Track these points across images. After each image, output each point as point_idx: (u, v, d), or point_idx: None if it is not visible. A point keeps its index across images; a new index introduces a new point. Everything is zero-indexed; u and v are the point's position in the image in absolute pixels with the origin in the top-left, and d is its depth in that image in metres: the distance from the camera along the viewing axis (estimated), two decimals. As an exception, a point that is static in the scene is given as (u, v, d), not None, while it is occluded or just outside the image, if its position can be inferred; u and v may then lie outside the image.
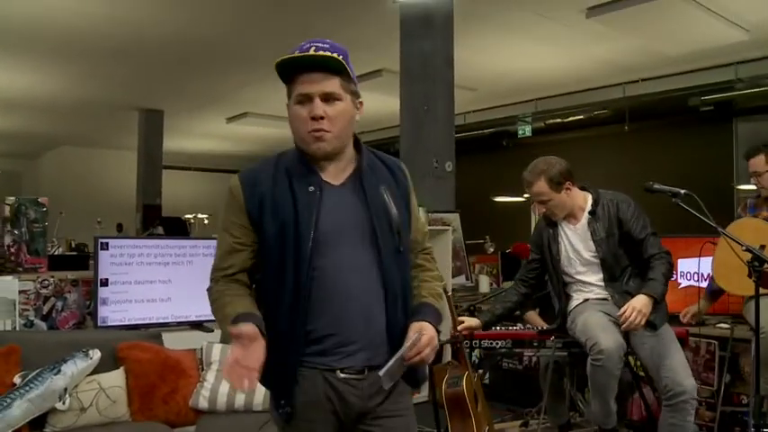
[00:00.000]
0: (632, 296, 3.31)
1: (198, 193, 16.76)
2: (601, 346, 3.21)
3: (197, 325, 4.48)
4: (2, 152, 16.59)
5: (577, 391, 4.51)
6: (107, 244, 4.15)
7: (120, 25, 7.31)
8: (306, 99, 1.87)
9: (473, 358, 4.96)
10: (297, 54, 1.88)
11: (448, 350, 5.72)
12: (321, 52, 1.85)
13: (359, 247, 1.89)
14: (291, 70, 1.89)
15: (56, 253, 6.62)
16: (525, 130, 11.36)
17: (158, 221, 10.70)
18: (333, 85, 1.85)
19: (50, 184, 14.96)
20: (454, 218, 6.17)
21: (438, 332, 1.93)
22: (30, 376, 3.16)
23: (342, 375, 1.89)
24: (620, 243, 3.43)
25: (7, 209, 4.58)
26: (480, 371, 4.76)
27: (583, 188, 3.62)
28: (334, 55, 1.84)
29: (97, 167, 15.65)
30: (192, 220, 13.70)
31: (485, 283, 6.29)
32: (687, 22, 6.90)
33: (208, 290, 2.06)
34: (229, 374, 1.71)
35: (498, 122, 11.58)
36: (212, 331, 4.33)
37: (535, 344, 3.83)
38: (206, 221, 13.64)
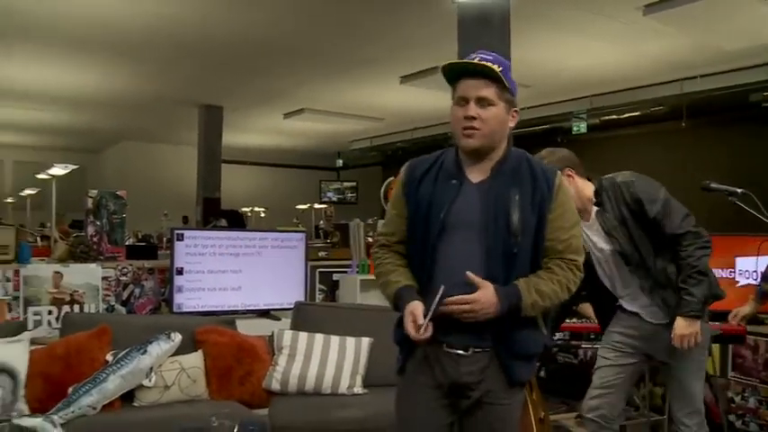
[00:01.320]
0: (667, 306, 3.01)
1: (255, 187, 17.10)
2: (598, 411, 3.15)
3: (264, 313, 4.72)
4: (68, 147, 17.22)
5: (632, 386, 4.58)
6: (182, 235, 4.40)
7: (182, 25, 7.57)
8: (463, 101, 2.12)
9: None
10: (460, 60, 2.15)
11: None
12: (484, 62, 2.08)
13: (472, 241, 2.11)
14: (455, 75, 2.14)
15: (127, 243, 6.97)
16: (580, 127, 11.31)
17: (220, 214, 11.03)
18: (488, 91, 2.09)
19: (113, 178, 15.44)
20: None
21: (501, 310, 2.05)
22: (120, 355, 3.44)
23: (446, 349, 2.14)
24: (637, 228, 3.03)
25: (90, 201, 4.89)
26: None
27: (589, 179, 3.29)
28: (494, 66, 2.07)
29: (158, 162, 16.07)
30: (250, 213, 13.99)
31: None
32: (746, 16, 6.85)
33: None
34: (406, 325, 2.09)
35: (553, 119, 11.56)
36: (280, 320, 4.56)
37: (592, 337, 3.94)
38: (262, 214, 13.91)
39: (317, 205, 13.70)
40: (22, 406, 3.27)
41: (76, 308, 4.47)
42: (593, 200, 3.13)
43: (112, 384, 3.33)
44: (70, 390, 3.32)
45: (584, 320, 4.19)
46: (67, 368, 3.40)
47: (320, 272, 5.35)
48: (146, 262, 4.88)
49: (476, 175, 2.17)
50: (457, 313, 2.05)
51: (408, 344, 2.19)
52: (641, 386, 4.36)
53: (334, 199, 17.67)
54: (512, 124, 2.18)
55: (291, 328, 3.96)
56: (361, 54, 8.61)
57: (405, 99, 10.62)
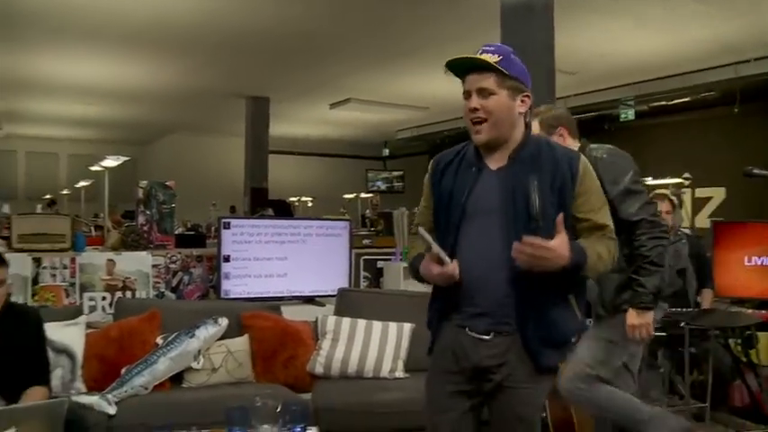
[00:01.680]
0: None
1: (302, 177, 17.25)
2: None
3: (309, 299, 4.82)
4: (120, 140, 17.65)
5: (677, 374, 4.54)
6: (229, 223, 4.52)
7: (230, 19, 7.71)
8: (467, 95, 2.19)
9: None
10: (455, 57, 2.18)
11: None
12: (484, 55, 2.15)
13: (492, 226, 2.16)
14: (462, 72, 2.21)
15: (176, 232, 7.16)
16: (628, 114, 11.15)
17: (267, 204, 11.18)
18: (486, 81, 2.14)
19: (163, 169, 15.75)
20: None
21: (574, 264, 2.05)
22: (170, 338, 3.58)
23: (468, 333, 2.20)
24: None
25: (140, 191, 5.05)
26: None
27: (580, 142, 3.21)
28: (487, 56, 2.14)
29: (206, 153, 16.34)
30: (297, 203, 14.14)
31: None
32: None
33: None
34: (429, 270, 2.18)
35: (600, 106, 11.42)
36: (324, 306, 4.66)
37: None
38: (309, 204, 14.04)
39: (363, 194, 13.77)
40: (80, 384, 3.44)
41: (128, 294, 4.64)
42: None
43: (162, 366, 3.48)
44: (123, 371, 3.47)
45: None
46: (121, 350, 3.56)
47: (364, 260, 5.42)
48: (194, 250, 5.02)
49: (494, 162, 2.22)
50: (532, 258, 2.00)
51: (436, 326, 2.29)
52: (685, 375, 4.34)
53: (383, 188, 17.74)
54: (522, 109, 2.19)
55: (335, 314, 4.06)
56: (406, 44, 8.64)
57: (449, 88, 10.46)
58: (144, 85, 11.22)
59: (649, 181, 9.16)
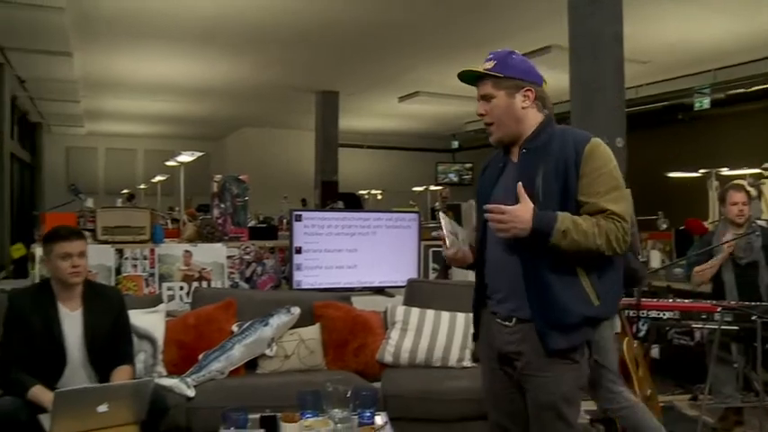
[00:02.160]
0: None
1: (371, 170, 17.39)
2: None
3: (379, 290, 4.91)
4: (193, 135, 18.13)
5: (752, 370, 4.45)
6: (301, 216, 4.65)
7: (300, 15, 7.85)
8: (478, 101, 2.39)
9: (641, 332, 5.02)
10: (461, 71, 2.38)
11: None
12: (485, 64, 2.35)
13: None
14: (471, 84, 2.42)
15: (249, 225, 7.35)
16: (703, 103, 10.81)
17: (337, 197, 11.35)
18: (484, 88, 2.35)
19: (235, 163, 16.12)
20: (625, 193, 6.19)
21: (533, 225, 2.14)
22: (245, 326, 3.73)
23: (496, 319, 2.33)
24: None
25: (215, 185, 5.22)
26: (646, 342, 4.79)
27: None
28: (487, 64, 2.33)
29: (277, 147, 16.64)
30: (367, 196, 14.28)
31: (656, 259, 6.29)
32: None
33: None
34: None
35: (673, 95, 11.14)
36: (394, 296, 4.74)
37: (704, 316, 3.87)
38: (379, 197, 14.15)
39: (432, 187, 13.81)
40: (161, 368, 3.62)
41: (204, 284, 4.83)
42: None
43: (238, 352, 3.63)
44: (201, 356, 3.64)
45: (696, 300, 4.15)
46: (198, 336, 3.72)
47: (433, 251, 5.47)
48: (267, 242, 5.18)
49: (515, 156, 2.38)
50: (493, 222, 2.18)
51: (475, 313, 2.48)
52: (758, 370, 4.25)
53: (455, 180, 17.73)
54: (525, 103, 2.32)
55: (404, 304, 4.14)
56: (474, 36, 8.63)
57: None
58: (217, 81, 11.50)
59: (725, 171, 8.95)
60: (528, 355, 2.24)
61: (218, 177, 5.25)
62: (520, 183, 2.21)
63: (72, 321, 3.07)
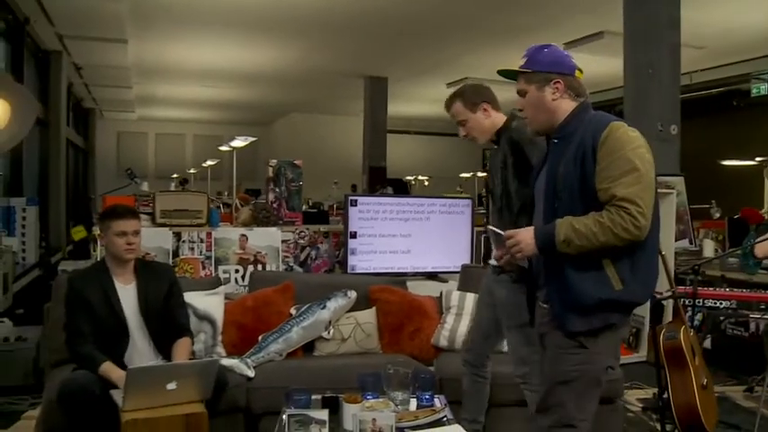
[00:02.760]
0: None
1: (418, 156, 17.40)
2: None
3: (432, 275, 4.94)
4: (241, 121, 18.35)
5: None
6: (356, 201, 4.69)
7: (349, 1, 7.91)
8: None
9: (694, 321, 4.97)
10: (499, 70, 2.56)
11: (668, 313, 5.77)
12: (520, 61, 2.48)
13: (539, 202, 2.45)
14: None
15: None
16: (760, 89, 10.54)
17: (385, 182, 11.40)
18: (519, 85, 2.49)
19: (283, 148, 16.27)
20: (678, 181, 6.14)
21: (536, 245, 2.29)
22: (302, 309, 3.80)
23: (540, 302, 2.48)
24: (515, 177, 2.98)
25: (270, 170, 5.30)
26: (700, 333, 4.74)
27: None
28: (517, 65, 2.47)
29: (325, 132, 16.74)
30: (413, 182, 14.30)
31: (709, 248, 6.20)
32: None
33: None
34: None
35: (729, 81, 10.92)
36: (447, 282, 4.77)
37: (762, 306, 3.84)
38: (426, 183, 14.16)
39: (480, 173, 13.75)
40: (220, 349, 3.71)
41: (259, 267, 4.92)
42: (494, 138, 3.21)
43: (296, 335, 3.71)
44: (260, 338, 3.72)
45: (756, 290, 4.10)
46: (257, 318, 3.80)
47: (485, 237, 5.49)
48: (321, 226, 5.25)
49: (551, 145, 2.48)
50: (507, 251, 2.37)
51: (529, 298, 2.59)
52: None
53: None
54: (555, 95, 2.40)
55: (458, 289, 4.16)
56: (524, 21, 8.57)
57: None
58: (266, 67, 11.64)
59: (782, 159, 8.75)
60: (552, 336, 2.38)
61: (273, 162, 5.33)
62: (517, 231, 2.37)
63: (127, 294, 3.21)
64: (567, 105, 2.40)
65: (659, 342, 3.61)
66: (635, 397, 4.54)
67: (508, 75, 2.51)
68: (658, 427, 3.80)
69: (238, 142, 6.52)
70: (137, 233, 3.22)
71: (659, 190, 5.65)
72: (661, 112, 6.25)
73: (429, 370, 3.38)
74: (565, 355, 2.32)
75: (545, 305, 2.39)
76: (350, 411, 2.51)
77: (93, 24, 8.32)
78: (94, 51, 9.68)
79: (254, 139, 6.47)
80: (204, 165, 12.38)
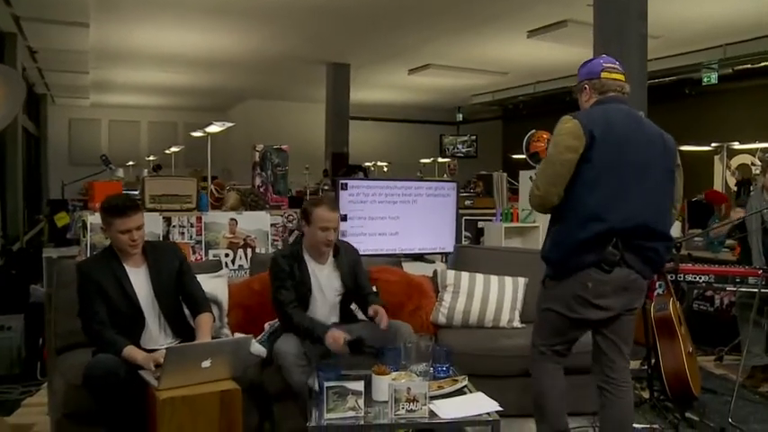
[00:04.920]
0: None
1: (375, 142, 17.46)
2: None
3: (418, 257, 5.08)
4: (196, 107, 18.14)
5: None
6: (346, 185, 4.79)
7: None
8: None
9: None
10: None
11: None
12: None
13: None
14: None
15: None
16: (711, 78, 10.98)
17: (348, 168, 11.46)
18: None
19: (239, 135, 16.15)
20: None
21: None
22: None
23: None
24: None
25: (257, 155, 5.36)
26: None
27: None
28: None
29: (283, 119, 16.63)
30: (372, 168, 14.39)
31: (675, 229, 6.46)
32: None
33: None
34: None
35: (681, 70, 11.29)
36: (434, 262, 4.92)
37: (738, 280, 4.08)
38: (385, 169, 14.28)
39: (440, 159, 13.96)
40: (227, 331, 3.75)
41: (249, 251, 4.99)
42: None
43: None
44: (266, 326, 3.76)
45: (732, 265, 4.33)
46: (263, 301, 3.85)
47: (466, 219, 5.65)
48: (310, 210, 5.32)
49: None
50: None
51: None
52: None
53: (463, 152, 17.86)
54: (585, 97, 2.96)
55: (452, 269, 4.31)
56: (490, 9, 8.73)
57: (531, 53, 10.67)
58: (227, 52, 11.55)
59: (736, 145, 9.14)
60: None
61: (259, 147, 5.39)
62: None
63: (139, 277, 3.22)
64: (591, 103, 2.94)
65: (649, 313, 3.83)
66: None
67: None
68: (644, 394, 4.02)
69: (215, 128, 6.52)
70: (140, 228, 3.19)
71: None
72: (630, 100, 6.44)
73: (445, 344, 3.49)
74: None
75: None
76: (382, 382, 2.62)
77: (54, 6, 8.17)
78: (53, 35, 9.51)
79: (231, 124, 6.48)
80: (167, 152, 12.32)
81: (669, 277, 4.02)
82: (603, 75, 2.90)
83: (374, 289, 3.68)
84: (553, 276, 2.85)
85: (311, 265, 3.49)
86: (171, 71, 13.26)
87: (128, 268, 3.21)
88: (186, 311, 3.34)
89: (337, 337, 3.12)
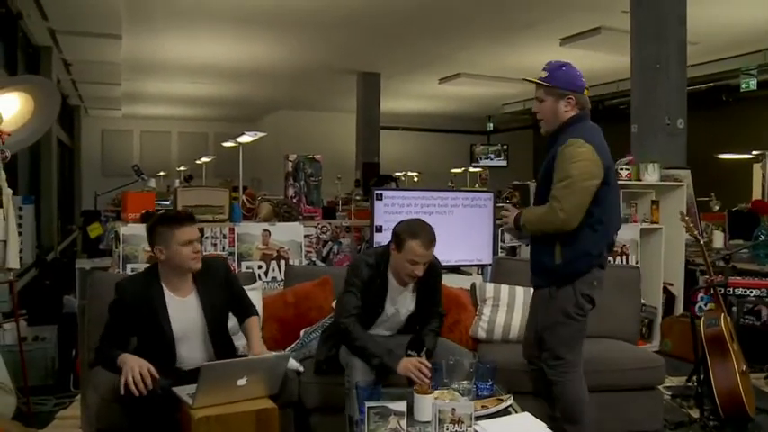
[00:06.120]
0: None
1: (405, 152, 17.39)
2: None
3: (455, 269, 4.95)
4: (226, 118, 18.23)
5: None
6: (381, 195, 4.68)
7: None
8: None
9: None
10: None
11: (679, 303, 5.85)
12: (541, 72, 3.04)
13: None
14: None
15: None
16: (749, 84, 10.74)
17: (380, 178, 11.36)
18: (538, 92, 3.08)
19: (268, 146, 16.16)
20: (685, 174, 6.22)
21: (516, 224, 3.14)
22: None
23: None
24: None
25: (289, 164, 5.29)
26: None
27: None
28: (542, 74, 3.04)
29: (313, 129, 16.58)
30: (403, 178, 14.27)
31: (719, 240, 6.30)
32: None
33: None
34: None
35: (718, 77, 11.08)
36: (470, 275, 4.79)
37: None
38: (416, 179, 14.15)
39: (471, 169, 13.80)
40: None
41: (282, 263, 4.91)
42: None
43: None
44: (302, 333, 3.70)
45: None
46: (297, 313, 3.79)
47: (502, 230, 5.51)
48: (343, 221, 5.25)
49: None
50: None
51: None
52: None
53: (494, 162, 17.69)
54: (567, 107, 3.00)
55: (491, 281, 4.19)
56: (522, 18, 8.64)
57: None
58: (257, 62, 11.59)
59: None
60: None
61: (292, 157, 5.32)
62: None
63: (184, 306, 3.00)
64: (569, 116, 3.01)
65: (700, 330, 3.67)
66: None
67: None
68: (691, 413, 3.87)
69: (247, 137, 6.47)
70: (198, 239, 3.02)
71: (668, 183, 5.76)
72: (668, 106, 6.36)
73: (490, 360, 3.36)
74: (541, 301, 3.15)
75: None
76: (425, 402, 2.51)
77: (87, 19, 8.21)
78: (87, 47, 9.56)
79: (263, 134, 6.42)
80: (198, 162, 12.32)
81: (726, 291, 3.87)
82: (585, 91, 3.06)
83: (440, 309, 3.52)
84: (561, 283, 3.05)
85: (392, 283, 3.32)
86: (201, 82, 13.33)
87: (172, 297, 2.98)
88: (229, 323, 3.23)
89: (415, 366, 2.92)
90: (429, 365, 2.87)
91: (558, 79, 2.99)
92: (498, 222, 3.24)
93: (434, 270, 3.40)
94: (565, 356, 3.07)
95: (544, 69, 3.05)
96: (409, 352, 3.08)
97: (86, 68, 11.18)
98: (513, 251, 5.67)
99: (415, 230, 3.20)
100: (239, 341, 3.34)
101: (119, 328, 2.92)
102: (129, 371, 2.66)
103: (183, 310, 3.00)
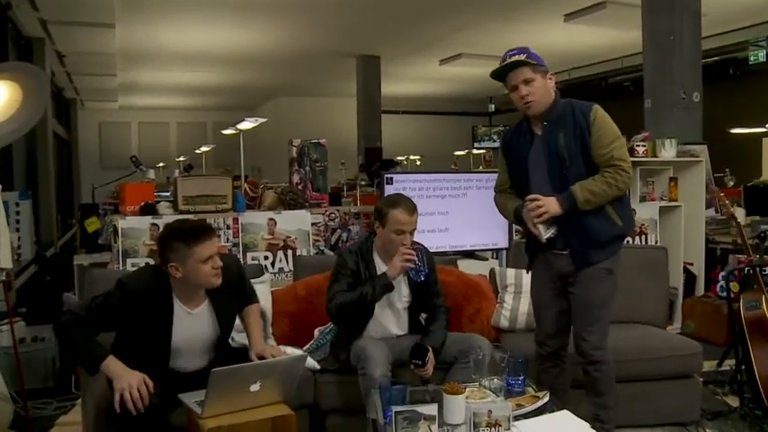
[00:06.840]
0: None
1: (406, 135, 17.16)
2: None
3: (470, 254, 4.76)
4: (225, 106, 17.97)
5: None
6: (392, 179, 4.49)
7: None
8: (515, 88, 2.93)
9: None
10: (499, 67, 2.93)
11: (700, 284, 5.66)
12: (513, 58, 2.89)
13: (543, 171, 2.94)
14: (502, 75, 2.96)
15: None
16: (758, 56, 10.47)
17: (382, 163, 11.15)
18: (525, 73, 2.89)
19: (269, 133, 15.95)
20: (702, 149, 6.01)
21: (564, 209, 2.85)
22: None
23: (554, 252, 3.01)
24: None
25: (294, 150, 5.07)
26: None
27: None
28: (517, 57, 2.88)
29: (313, 114, 16.34)
30: (405, 161, 14.03)
31: (740, 215, 6.08)
32: None
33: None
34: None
35: (725, 50, 10.81)
36: (486, 260, 4.59)
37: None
38: (418, 162, 13.92)
39: (474, 150, 13.58)
40: (272, 341, 3.46)
41: (289, 253, 4.70)
42: None
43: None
44: (316, 332, 3.48)
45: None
46: (309, 308, 3.57)
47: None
48: (351, 207, 5.04)
49: (538, 129, 2.99)
50: (534, 210, 2.88)
51: (531, 252, 3.16)
52: None
53: (496, 143, 17.48)
54: (551, 83, 2.96)
55: (511, 267, 3.98)
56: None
57: (567, 38, 10.28)
58: (254, 48, 11.36)
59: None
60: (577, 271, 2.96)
61: (296, 142, 5.11)
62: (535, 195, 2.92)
63: (192, 321, 2.75)
64: (551, 96, 2.94)
65: (739, 312, 3.47)
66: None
67: (498, 75, 2.96)
68: (728, 401, 3.67)
69: (247, 124, 6.26)
70: (219, 252, 2.74)
71: (685, 159, 5.56)
72: (683, 79, 6.14)
73: (522, 354, 3.16)
74: (592, 283, 2.94)
75: (562, 251, 2.96)
76: (456, 403, 2.29)
77: (79, 8, 7.98)
78: (80, 37, 9.33)
79: (264, 120, 6.21)
80: (198, 151, 12.10)
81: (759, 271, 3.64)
82: None
83: (442, 301, 3.35)
84: (618, 249, 3.01)
85: (380, 268, 3.19)
86: (198, 70, 13.09)
87: (181, 308, 2.73)
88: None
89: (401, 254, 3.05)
90: (413, 254, 3.05)
91: (538, 57, 2.94)
92: (533, 214, 2.87)
93: (423, 253, 3.24)
94: (607, 330, 3.02)
95: (519, 54, 2.92)
96: (413, 361, 2.95)
97: (80, 59, 10.93)
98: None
99: (395, 200, 3.24)
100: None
101: (101, 322, 2.62)
102: (127, 388, 2.42)
103: (191, 325, 2.74)
